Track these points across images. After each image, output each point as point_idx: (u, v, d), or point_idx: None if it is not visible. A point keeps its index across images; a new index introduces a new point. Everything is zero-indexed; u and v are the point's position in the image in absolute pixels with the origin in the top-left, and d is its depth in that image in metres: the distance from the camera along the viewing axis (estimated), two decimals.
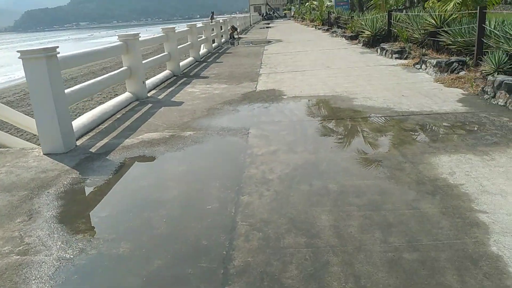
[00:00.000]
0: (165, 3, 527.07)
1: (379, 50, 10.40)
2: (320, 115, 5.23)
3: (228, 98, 6.47)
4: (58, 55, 4.16)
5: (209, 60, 11.97)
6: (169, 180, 3.44)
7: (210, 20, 18.16)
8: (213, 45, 15.32)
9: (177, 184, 3.34)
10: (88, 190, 3.34)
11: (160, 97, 7.01)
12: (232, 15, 38.01)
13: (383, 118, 4.80)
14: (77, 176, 3.60)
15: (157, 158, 3.95)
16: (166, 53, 9.16)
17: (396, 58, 9.10)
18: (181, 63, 10.10)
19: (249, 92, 6.82)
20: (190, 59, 11.46)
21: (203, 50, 13.57)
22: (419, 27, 9.25)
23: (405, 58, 8.85)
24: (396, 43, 10.33)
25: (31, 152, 4.36)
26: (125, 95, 6.65)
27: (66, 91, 4.42)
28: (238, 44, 18.08)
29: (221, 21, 18.59)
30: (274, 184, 3.15)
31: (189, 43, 11.48)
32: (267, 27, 31.74)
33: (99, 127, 5.19)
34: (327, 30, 20.44)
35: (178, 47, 9.90)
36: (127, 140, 4.56)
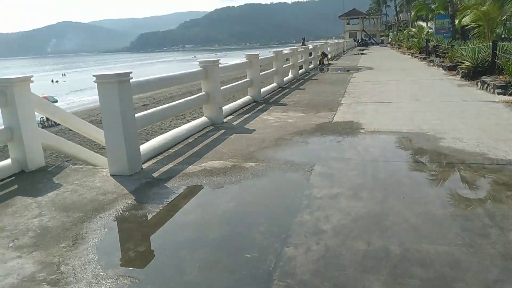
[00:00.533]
0: (262, 29, 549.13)
1: (479, 83, 9.33)
2: (398, 156, 4.70)
3: (301, 128, 6.20)
4: (131, 80, 4.29)
5: (292, 87, 11.84)
6: (216, 217, 3.25)
7: (301, 46, 18.19)
8: (300, 71, 15.24)
9: (222, 223, 3.13)
10: (136, 220, 3.29)
11: (234, 123, 6.99)
12: (328, 40, 38.04)
13: (473, 165, 4.12)
14: (131, 202, 3.60)
15: (211, 190, 3.81)
16: (248, 79, 9.22)
17: (498, 93, 8.05)
18: (264, 89, 10.12)
19: (324, 123, 6.47)
20: (273, 85, 11.46)
21: (288, 76, 13.53)
22: None
23: (510, 95, 7.77)
24: (500, 76, 9.18)
25: (101, 172, 4.52)
26: (201, 120, 6.75)
27: (136, 115, 4.54)
28: (327, 70, 17.79)
29: (310, 47, 18.50)
30: (326, 236, 2.79)
31: (273, 69, 11.51)
32: (361, 54, 31.02)
33: (169, 150, 5.26)
34: (424, 58, 19.21)
35: (263, 73, 9.93)
36: (190, 167, 4.52)
